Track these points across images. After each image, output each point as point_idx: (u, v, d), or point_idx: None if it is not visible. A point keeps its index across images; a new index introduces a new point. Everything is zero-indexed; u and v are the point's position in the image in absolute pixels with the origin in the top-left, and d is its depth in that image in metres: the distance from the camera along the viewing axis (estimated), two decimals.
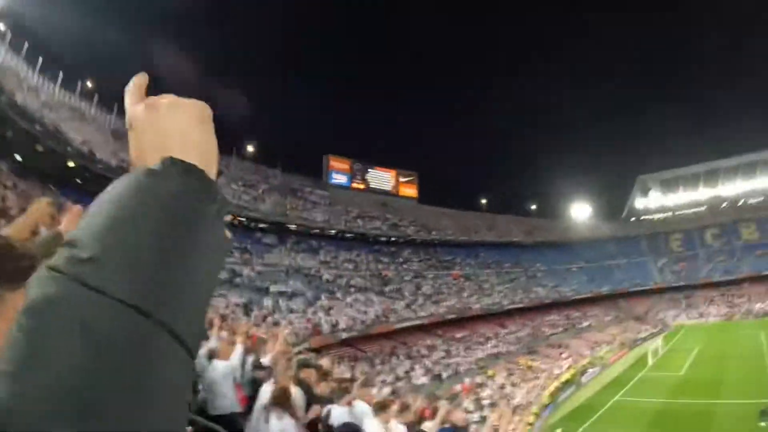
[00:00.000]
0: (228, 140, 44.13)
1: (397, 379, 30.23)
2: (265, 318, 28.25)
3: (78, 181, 29.44)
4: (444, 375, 33.02)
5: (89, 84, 38.07)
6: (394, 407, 5.96)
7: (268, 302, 33.39)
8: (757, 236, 74.62)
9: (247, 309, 29.50)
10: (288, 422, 4.76)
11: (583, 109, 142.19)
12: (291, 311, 33.74)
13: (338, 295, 39.22)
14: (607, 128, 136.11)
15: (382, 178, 62.68)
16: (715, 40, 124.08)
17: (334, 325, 33.57)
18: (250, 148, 52.95)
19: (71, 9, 40.44)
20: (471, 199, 76.39)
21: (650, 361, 43.11)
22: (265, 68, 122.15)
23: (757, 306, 63.23)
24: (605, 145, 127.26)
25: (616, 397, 34.71)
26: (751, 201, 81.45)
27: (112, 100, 37.48)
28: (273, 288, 36.08)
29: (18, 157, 26.09)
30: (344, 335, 33.59)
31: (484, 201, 76.11)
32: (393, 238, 55.46)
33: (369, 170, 61.19)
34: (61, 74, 34.19)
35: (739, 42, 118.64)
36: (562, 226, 79.33)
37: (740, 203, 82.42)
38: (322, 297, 37.63)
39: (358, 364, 29.47)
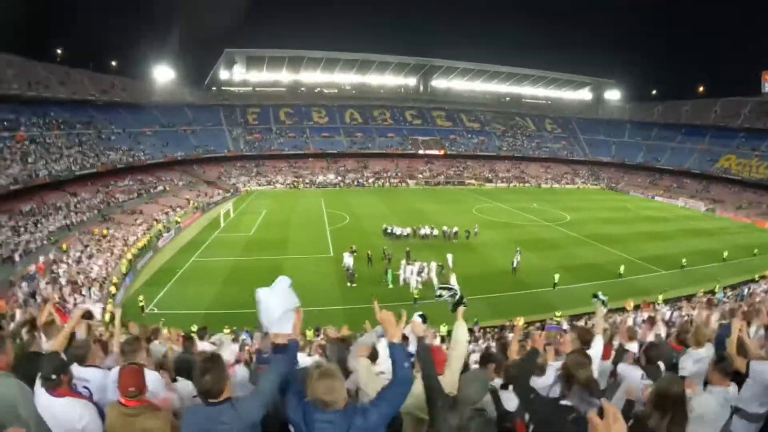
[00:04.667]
0: None
1: None
2: None
3: None
4: (16, 257, 30.17)
5: None
6: None
7: None
8: (326, 121, 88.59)
9: None
10: None
11: None
12: None
13: None
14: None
15: None
16: None
17: None
18: None
19: None
20: (43, 46, 66.15)
21: (222, 224, 47.96)
22: None
23: (320, 178, 75.64)
24: (197, 11, 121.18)
25: (193, 258, 38.15)
26: (327, 91, 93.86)
27: None
28: None
29: None
30: None
31: (59, 51, 66.92)
32: None
33: None
34: None
35: None
36: (142, 87, 75.65)
37: (317, 91, 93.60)
38: None
39: None
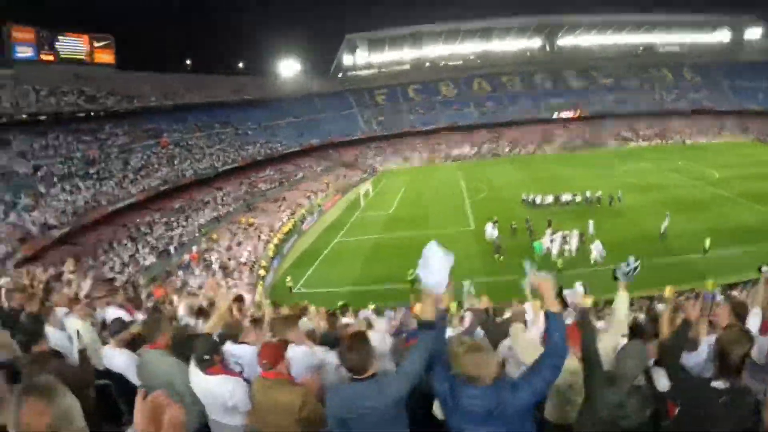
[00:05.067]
0: None
1: (124, 265, 27.68)
2: None
3: None
4: (171, 249, 31.84)
5: None
6: None
7: None
8: (455, 93, 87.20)
9: None
10: None
11: None
12: None
13: (40, 188, 31.87)
14: None
15: (73, 45, 52.66)
16: None
17: (44, 224, 27.88)
18: None
19: None
20: (174, 60, 70.78)
21: (362, 204, 48.19)
22: None
23: (454, 151, 74.55)
24: (313, 2, 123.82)
25: (336, 238, 38.41)
26: (451, 63, 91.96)
27: None
28: None
29: None
30: (57, 233, 28.16)
31: (189, 62, 71.87)
32: (92, 113, 47.41)
33: (58, 37, 50.59)
34: None
35: None
36: (271, 83, 78.40)
37: (441, 64, 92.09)
38: (22, 195, 30.05)
39: (83, 259, 26.44)
